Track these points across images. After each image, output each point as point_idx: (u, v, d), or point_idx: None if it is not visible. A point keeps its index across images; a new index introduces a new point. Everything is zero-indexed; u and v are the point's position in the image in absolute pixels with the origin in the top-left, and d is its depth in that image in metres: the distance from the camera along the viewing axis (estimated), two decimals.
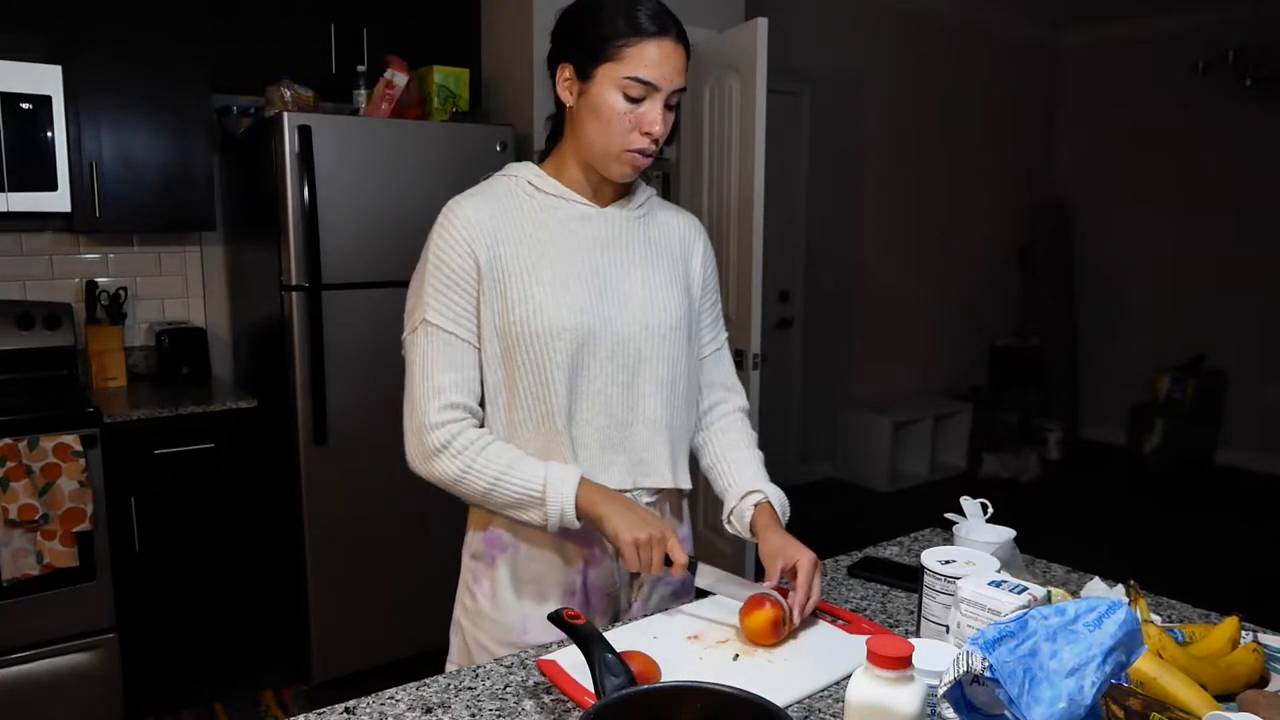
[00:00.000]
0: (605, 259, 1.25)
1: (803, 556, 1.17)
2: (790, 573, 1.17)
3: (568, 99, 1.22)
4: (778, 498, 1.32)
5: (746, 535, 1.31)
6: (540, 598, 1.26)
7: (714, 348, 1.41)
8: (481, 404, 1.24)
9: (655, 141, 1.19)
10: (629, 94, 1.16)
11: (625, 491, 1.26)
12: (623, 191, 1.31)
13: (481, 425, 1.23)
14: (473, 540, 1.32)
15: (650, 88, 1.16)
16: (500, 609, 1.27)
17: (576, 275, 1.22)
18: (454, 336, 1.20)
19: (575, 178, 1.26)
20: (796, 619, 1.13)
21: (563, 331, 1.19)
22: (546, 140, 1.32)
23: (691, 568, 1.18)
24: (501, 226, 1.21)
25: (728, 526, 1.34)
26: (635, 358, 1.25)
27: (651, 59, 1.15)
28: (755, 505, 1.30)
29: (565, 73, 1.21)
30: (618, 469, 1.26)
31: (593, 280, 1.23)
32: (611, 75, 1.16)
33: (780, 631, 1.10)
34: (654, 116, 1.17)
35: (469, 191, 1.25)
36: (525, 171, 1.27)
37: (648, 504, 1.29)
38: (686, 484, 1.33)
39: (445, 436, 1.18)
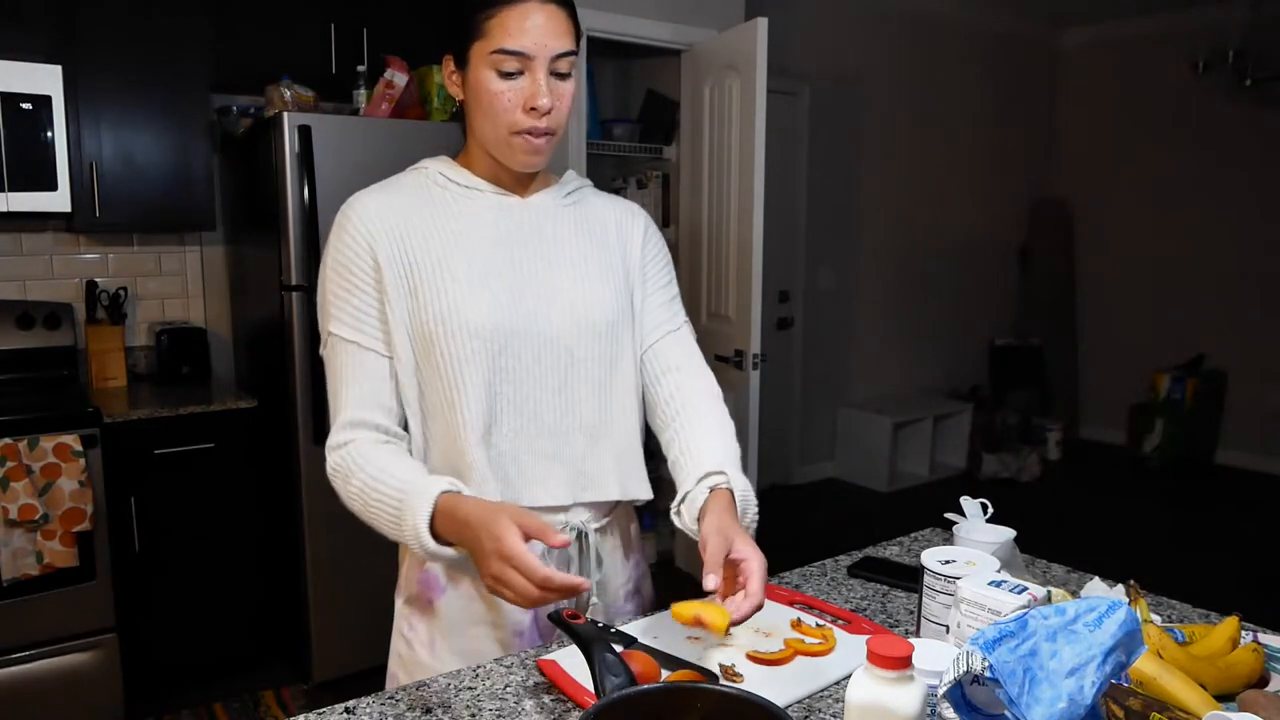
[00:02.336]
0: (528, 251, 1.13)
1: (753, 557, 0.96)
2: (732, 565, 0.97)
3: (456, 93, 1.12)
4: (741, 488, 1.07)
5: (693, 528, 1.05)
6: (486, 641, 1.13)
7: (669, 328, 1.22)
8: (406, 425, 1.12)
9: (546, 116, 1.06)
10: (502, 70, 1.04)
11: (565, 508, 1.13)
12: (546, 180, 1.19)
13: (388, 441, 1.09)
14: (407, 581, 1.18)
15: (522, 58, 1.03)
16: (440, 659, 1.13)
17: (494, 270, 1.10)
18: (355, 345, 1.09)
19: (489, 171, 1.15)
20: (741, 616, 0.93)
21: (480, 330, 1.07)
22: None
23: (628, 643, 1.03)
24: (410, 219, 1.10)
25: (675, 519, 1.09)
26: (566, 359, 1.12)
27: (515, 25, 1.02)
28: (711, 489, 1.06)
29: (449, 66, 1.11)
30: (555, 483, 1.13)
31: (513, 274, 1.11)
32: (481, 54, 1.04)
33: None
34: (535, 89, 1.04)
35: (373, 186, 1.15)
36: (436, 164, 1.17)
37: (598, 528, 1.17)
38: (643, 494, 1.17)
39: (338, 459, 1.07)
